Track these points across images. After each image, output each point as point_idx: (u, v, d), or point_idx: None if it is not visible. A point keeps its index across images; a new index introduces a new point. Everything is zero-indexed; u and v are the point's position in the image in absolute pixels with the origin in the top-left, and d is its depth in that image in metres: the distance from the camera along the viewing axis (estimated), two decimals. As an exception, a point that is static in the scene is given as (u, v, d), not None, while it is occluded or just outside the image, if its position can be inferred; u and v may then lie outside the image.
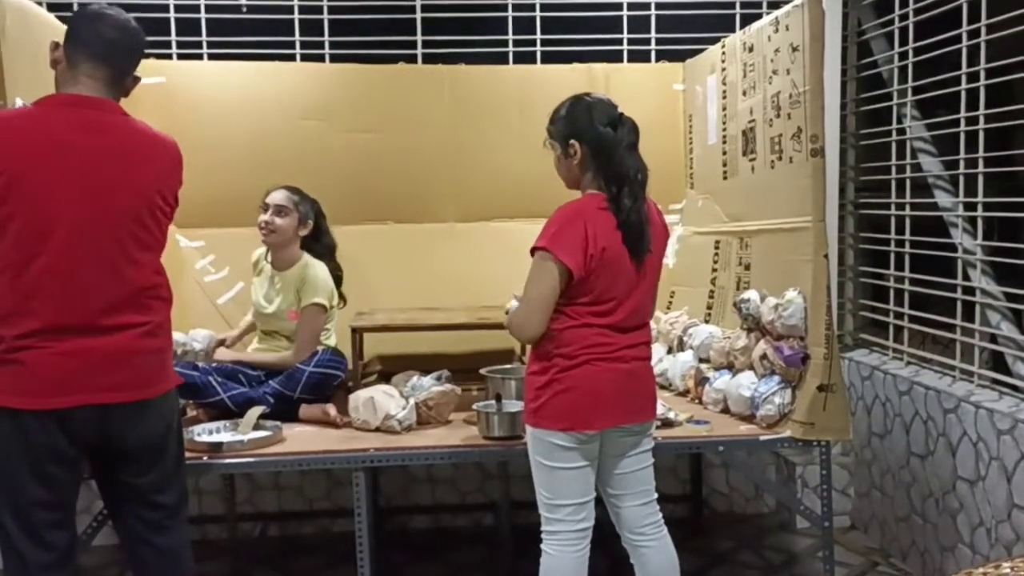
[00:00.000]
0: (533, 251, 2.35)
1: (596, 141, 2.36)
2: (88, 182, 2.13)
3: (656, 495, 2.54)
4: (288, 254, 3.32)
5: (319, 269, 3.29)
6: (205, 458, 2.73)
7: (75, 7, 3.84)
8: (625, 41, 4.18)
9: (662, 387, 3.50)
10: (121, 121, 2.24)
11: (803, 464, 3.96)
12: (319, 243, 3.38)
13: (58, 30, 3.03)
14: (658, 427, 2.90)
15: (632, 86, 3.97)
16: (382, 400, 2.96)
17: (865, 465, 3.84)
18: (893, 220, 3.74)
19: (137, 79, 2.30)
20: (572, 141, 2.38)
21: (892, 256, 3.75)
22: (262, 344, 3.38)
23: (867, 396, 3.77)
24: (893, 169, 3.75)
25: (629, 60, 4.17)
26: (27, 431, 2.12)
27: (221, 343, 3.41)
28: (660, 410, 2.94)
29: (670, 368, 3.52)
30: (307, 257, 3.33)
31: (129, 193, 2.20)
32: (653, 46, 4.19)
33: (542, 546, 2.41)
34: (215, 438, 2.86)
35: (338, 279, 3.41)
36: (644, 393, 2.48)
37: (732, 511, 4.19)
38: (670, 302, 3.97)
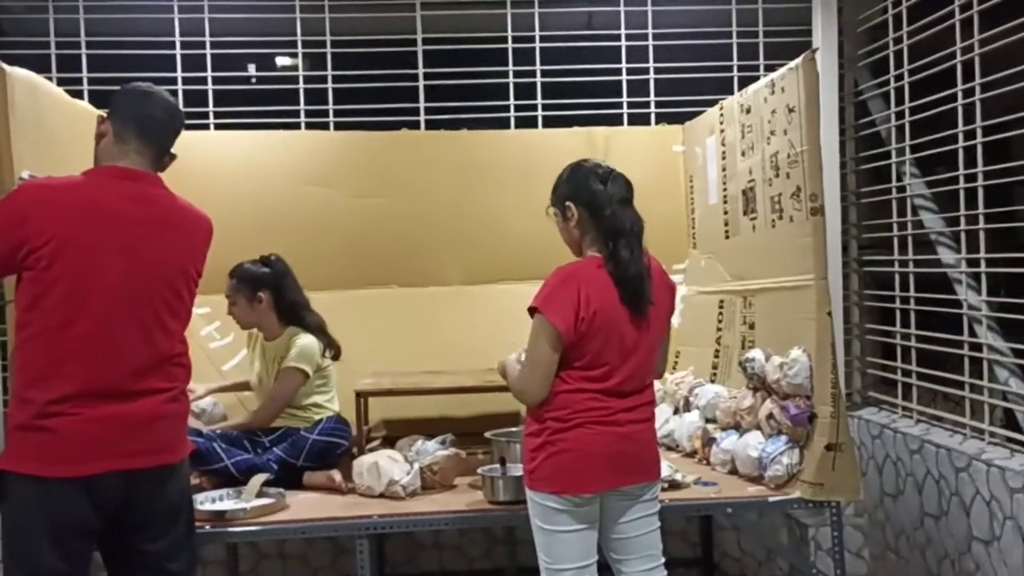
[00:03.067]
0: (530, 311, 2.37)
1: (589, 199, 2.41)
2: (131, 251, 2.21)
3: (663, 559, 2.50)
4: (268, 329, 3.33)
5: (304, 338, 3.26)
6: (208, 527, 2.70)
7: (85, 81, 3.93)
8: (625, 104, 4.24)
9: (669, 448, 3.47)
10: (164, 194, 2.34)
11: (815, 526, 3.89)
12: (284, 303, 3.31)
13: (66, 103, 3.10)
14: (664, 489, 2.87)
15: (632, 148, 4.02)
16: (386, 465, 2.94)
17: (879, 526, 3.77)
18: (898, 277, 3.74)
19: (174, 156, 2.39)
20: (568, 203, 2.44)
21: (898, 313, 3.74)
22: None
23: (878, 455, 3.72)
24: (895, 226, 3.76)
25: (629, 123, 4.23)
26: (52, 499, 2.12)
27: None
28: (666, 471, 2.92)
29: (676, 429, 3.49)
30: (291, 328, 3.31)
31: (167, 263, 2.28)
32: (652, 109, 4.25)
33: None
34: (218, 506, 2.83)
35: (319, 327, 3.34)
36: (641, 455, 2.44)
37: (744, 575, 4.11)
38: (676, 362, 3.94)
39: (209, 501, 2.86)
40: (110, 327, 2.16)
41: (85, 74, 3.93)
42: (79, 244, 2.14)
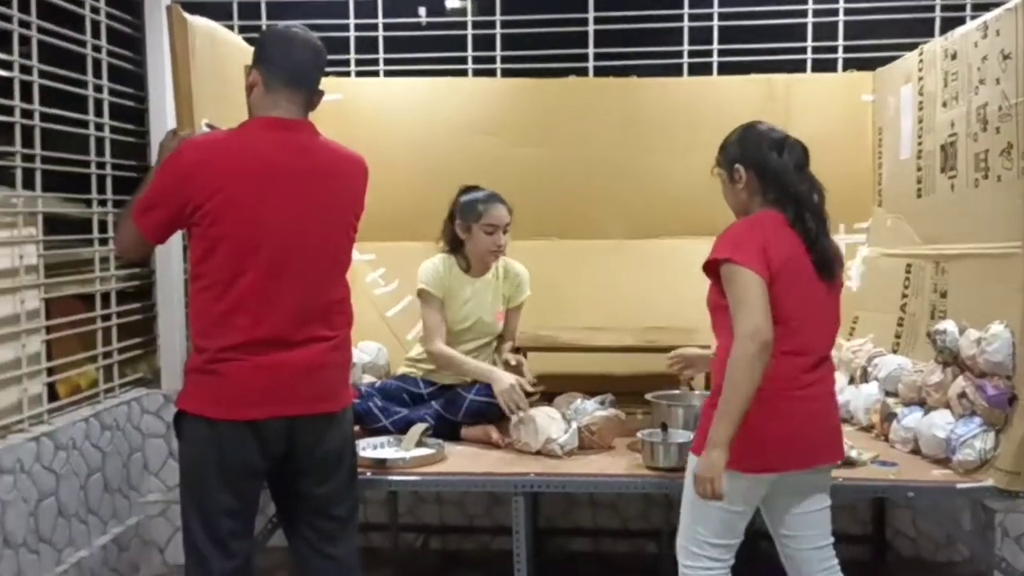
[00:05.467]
0: (708, 266, 2.22)
1: (761, 165, 2.27)
2: (291, 202, 2.21)
3: (833, 539, 2.35)
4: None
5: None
6: (369, 473, 2.75)
7: (264, 27, 4.01)
8: (809, 49, 3.94)
9: (843, 420, 3.24)
10: (318, 141, 2.32)
11: (1004, 511, 3.58)
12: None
13: (245, 51, 3.16)
14: (838, 466, 2.69)
15: (816, 97, 3.76)
16: (544, 423, 2.90)
17: (1078, 517, 3.43)
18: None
19: (322, 93, 2.35)
20: (737, 166, 2.30)
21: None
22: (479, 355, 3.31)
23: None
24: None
25: (813, 70, 3.94)
26: (222, 441, 2.20)
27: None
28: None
29: (852, 400, 3.27)
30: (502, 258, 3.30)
31: (326, 212, 2.28)
32: (840, 54, 3.93)
33: None
34: (379, 453, 2.88)
35: None
36: (832, 434, 2.31)
37: (919, 557, 3.85)
38: (853, 328, 3.70)
39: (371, 448, 2.91)
40: (274, 278, 2.18)
41: (264, 21, 4.01)
42: (240, 199, 2.16)
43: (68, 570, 3.21)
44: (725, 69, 3.97)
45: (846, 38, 3.92)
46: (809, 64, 3.95)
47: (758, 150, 2.28)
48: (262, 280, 2.17)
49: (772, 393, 2.14)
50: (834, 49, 3.94)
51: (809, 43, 3.94)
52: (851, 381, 3.41)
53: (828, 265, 2.24)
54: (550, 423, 2.90)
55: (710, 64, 3.98)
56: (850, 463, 2.72)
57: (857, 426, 3.22)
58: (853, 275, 3.79)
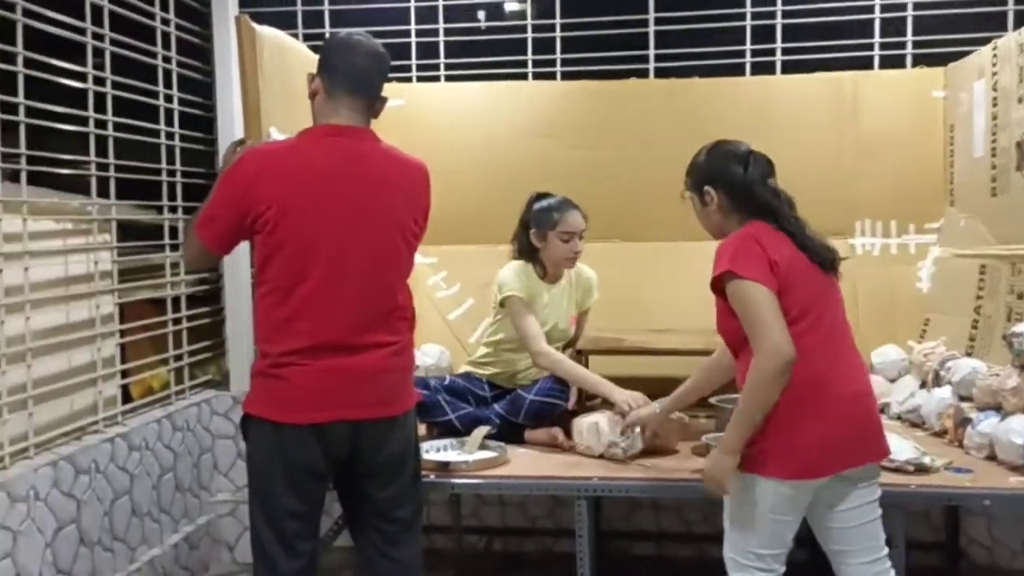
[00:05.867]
0: (715, 284, 2.20)
1: (729, 183, 2.26)
2: (350, 209, 2.22)
3: (887, 550, 2.28)
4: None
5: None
6: (432, 476, 2.77)
7: (327, 35, 4.07)
8: (877, 46, 3.86)
9: (913, 425, 3.18)
10: (378, 148, 2.32)
11: (1085, 520, 3.46)
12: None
13: (310, 59, 3.21)
14: (910, 472, 2.64)
15: (884, 95, 3.69)
16: (607, 427, 2.88)
17: None
18: None
19: (385, 99, 2.36)
20: (707, 188, 2.30)
21: None
22: None
23: None
24: None
25: (881, 66, 3.85)
26: (286, 444, 2.23)
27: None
28: (913, 453, 2.68)
29: (924, 405, 3.18)
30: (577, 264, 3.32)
31: (385, 218, 2.28)
32: (909, 50, 3.84)
33: None
34: (442, 456, 2.90)
35: None
36: (870, 431, 2.24)
37: (995, 565, 3.73)
38: (924, 330, 3.61)
39: (434, 451, 2.93)
40: (334, 284, 2.20)
41: (328, 29, 4.07)
42: (299, 207, 2.18)
43: (142, 568, 3.29)
44: (789, 68, 3.91)
45: (915, 33, 3.83)
46: (877, 61, 3.86)
47: (725, 168, 2.28)
48: (322, 286, 2.19)
49: (806, 396, 2.10)
50: (903, 45, 3.85)
51: (877, 39, 3.86)
52: (922, 385, 3.32)
53: (831, 262, 2.22)
54: (613, 427, 2.89)
55: (773, 63, 3.92)
56: (922, 469, 2.65)
57: (929, 431, 3.13)
58: (923, 276, 3.70)
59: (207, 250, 2.29)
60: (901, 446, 2.72)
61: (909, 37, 3.83)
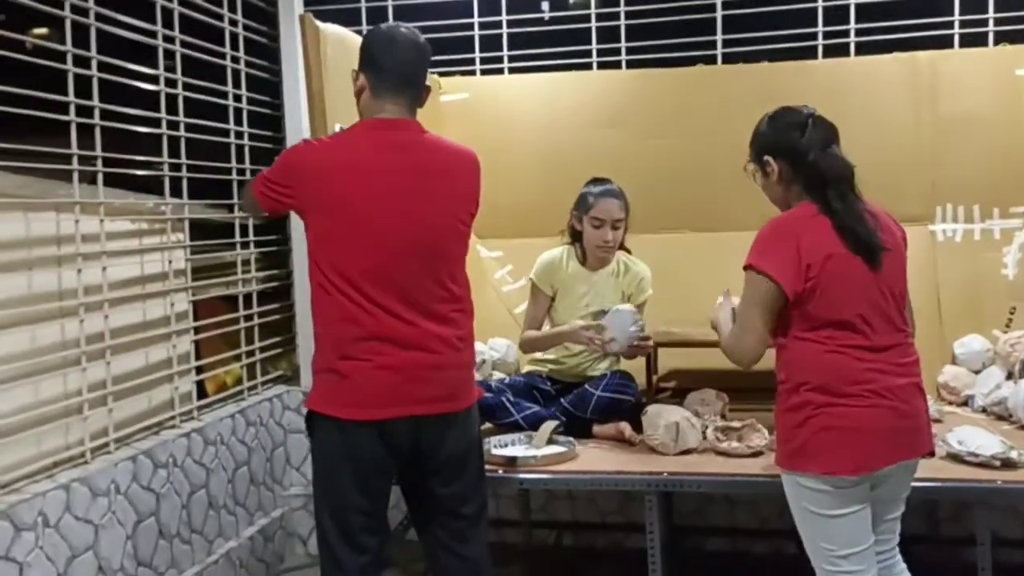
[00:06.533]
0: (745, 269, 2.17)
1: (788, 151, 2.20)
2: (398, 202, 2.21)
3: (897, 539, 2.27)
4: (611, 256, 3.27)
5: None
6: (500, 471, 2.76)
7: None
8: (956, 24, 3.71)
9: (1000, 418, 3.06)
10: (423, 139, 2.31)
11: None
12: None
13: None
14: (997, 467, 2.53)
15: (965, 74, 3.55)
16: (687, 429, 2.84)
17: None
18: None
19: (429, 89, 2.34)
20: (766, 158, 2.24)
21: None
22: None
23: None
24: None
25: (961, 44, 3.70)
26: (350, 439, 2.23)
27: None
28: (999, 447, 2.59)
29: (1011, 397, 3.05)
30: (620, 253, 3.26)
31: (435, 209, 2.26)
32: (991, 27, 3.68)
33: None
34: (510, 452, 2.88)
35: None
36: (918, 427, 2.17)
37: (1087, 563, 3.58)
38: (1010, 319, 3.46)
39: (501, 446, 2.92)
40: (383, 277, 2.19)
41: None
42: (347, 203, 2.19)
43: (219, 560, 3.36)
44: (863, 49, 3.78)
45: (997, 10, 3.67)
46: (956, 39, 3.71)
47: (785, 135, 2.22)
48: (372, 279, 2.19)
49: (857, 393, 2.08)
50: (984, 22, 3.69)
51: (956, 16, 3.70)
52: (1008, 376, 3.19)
53: (866, 249, 2.10)
54: (691, 431, 2.84)
55: (847, 45, 3.80)
56: (1010, 464, 2.55)
57: (1016, 424, 3.00)
58: (1008, 262, 3.55)
59: (259, 205, 2.33)
60: (987, 440, 2.62)
61: (991, 14, 3.67)
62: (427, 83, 2.33)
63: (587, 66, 4.02)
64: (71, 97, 2.80)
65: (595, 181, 3.25)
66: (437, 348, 2.25)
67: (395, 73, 2.26)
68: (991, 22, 3.68)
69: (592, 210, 3.15)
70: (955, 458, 2.61)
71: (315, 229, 2.23)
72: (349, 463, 2.25)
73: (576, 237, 3.27)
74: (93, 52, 2.90)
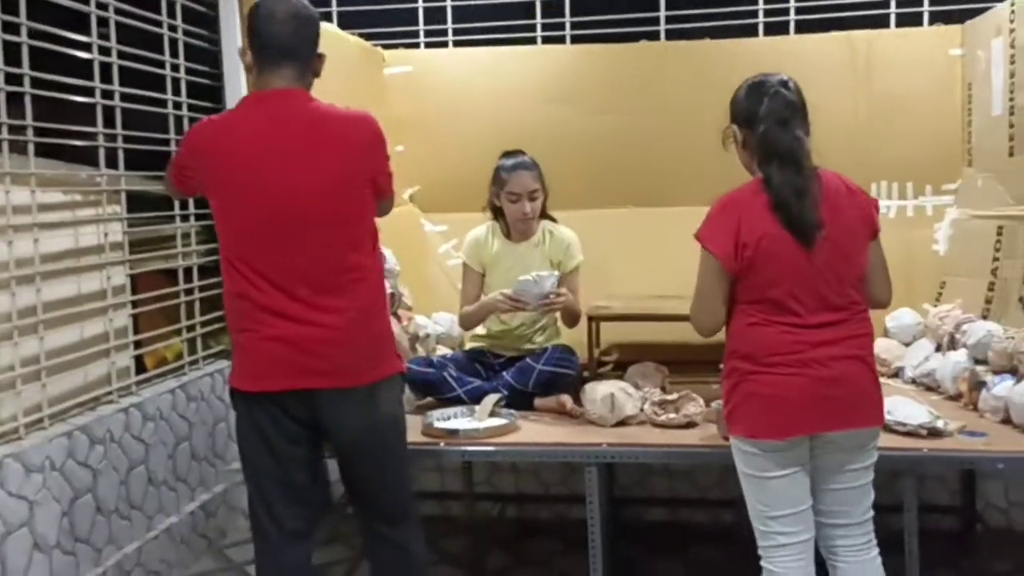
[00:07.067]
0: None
1: (746, 121, 2.23)
2: (284, 171, 2.15)
3: (871, 513, 2.27)
4: (534, 226, 3.28)
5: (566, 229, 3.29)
6: (443, 444, 2.77)
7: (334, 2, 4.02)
8: (892, 3, 3.78)
9: (928, 389, 3.15)
10: (312, 107, 2.23)
11: (1102, 483, 3.44)
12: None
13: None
14: (923, 436, 2.62)
15: (900, 53, 3.63)
16: (621, 398, 2.87)
17: None
18: None
19: (322, 57, 2.29)
20: (732, 126, 2.29)
21: None
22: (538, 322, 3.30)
23: None
24: None
25: (897, 24, 3.79)
26: (254, 411, 2.24)
27: None
28: (927, 417, 2.66)
29: (939, 369, 3.15)
30: (544, 222, 3.28)
31: (319, 178, 2.18)
32: (926, 7, 3.77)
33: (761, 563, 2.23)
34: (452, 424, 2.89)
35: None
36: (851, 398, 2.18)
37: (1011, 528, 3.71)
38: (940, 293, 3.57)
39: (443, 419, 2.93)
40: (276, 249, 2.16)
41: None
42: (231, 180, 2.18)
43: (160, 535, 3.33)
44: (802, 28, 3.84)
45: (932, -10, 3.76)
46: (893, 19, 3.79)
47: (746, 104, 2.24)
48: (259, 254, 2.17)
49: (779, 364, 2.14)
50: (919, 2, 3.77)
51: (892, -4, 3.79)
52: (937, 348, 3.29)
53: (797, 227, 2.11)
54: (626, 400, 2.88)
55: (787, 23, 3.85)
56: (936, 433, 2.63)
57: (944, 395, 3.10)
58: (940, 238, 3.66)
59: (174, 186, 2.36)
60: (915, 410, 2.70)
61: (926, -6, 3.76)
62: (318, 51, 2.27)
63: (531, 40, 4.02)
64: (0, 65, 2.72)
65: (507, 154, 3.26)
66: (329, 322, 2.18)
67: (274, 47, 2.21)
68: (926, 2, 3.76)
69: (507, 185, 3.18)
70: (884, 428, 2.69)
71: (212, 206, 2.25)
72: (255, 433, 2.25)
73: (497, 212, 3.29)
74: (23, 19, 2.82)
